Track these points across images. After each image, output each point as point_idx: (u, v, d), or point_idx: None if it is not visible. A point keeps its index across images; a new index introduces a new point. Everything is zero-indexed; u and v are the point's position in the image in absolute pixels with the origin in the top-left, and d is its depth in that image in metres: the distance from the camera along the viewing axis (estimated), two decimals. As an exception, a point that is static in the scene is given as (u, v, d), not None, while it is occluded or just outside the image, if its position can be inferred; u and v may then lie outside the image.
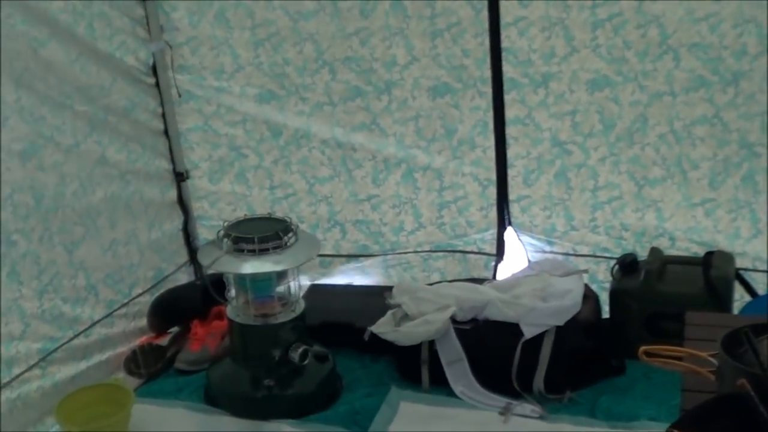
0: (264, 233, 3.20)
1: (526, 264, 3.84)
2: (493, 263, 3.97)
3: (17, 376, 3.13)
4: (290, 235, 3.27)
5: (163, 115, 3.99)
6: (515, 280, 3.57)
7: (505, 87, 3.63)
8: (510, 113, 3.67)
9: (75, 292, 3.42)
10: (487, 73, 3.62)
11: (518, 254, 3.92)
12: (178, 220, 4.17)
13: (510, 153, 3.76)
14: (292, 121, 3.96)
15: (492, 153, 3.77)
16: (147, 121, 3.88)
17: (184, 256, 4.23)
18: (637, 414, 3.10)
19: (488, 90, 3.65)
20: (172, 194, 4.12)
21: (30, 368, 3.19)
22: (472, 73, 3.65)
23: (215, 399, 3.41)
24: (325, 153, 3.99)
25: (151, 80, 3.89)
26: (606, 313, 3.59)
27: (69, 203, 3.37)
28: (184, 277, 4.20)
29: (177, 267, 4.16)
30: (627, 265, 3.54)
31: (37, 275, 3.21)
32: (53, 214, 3.28)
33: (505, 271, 3.89)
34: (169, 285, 4.03)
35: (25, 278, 3.15)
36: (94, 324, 3.53)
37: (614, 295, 3.55)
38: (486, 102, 3.68)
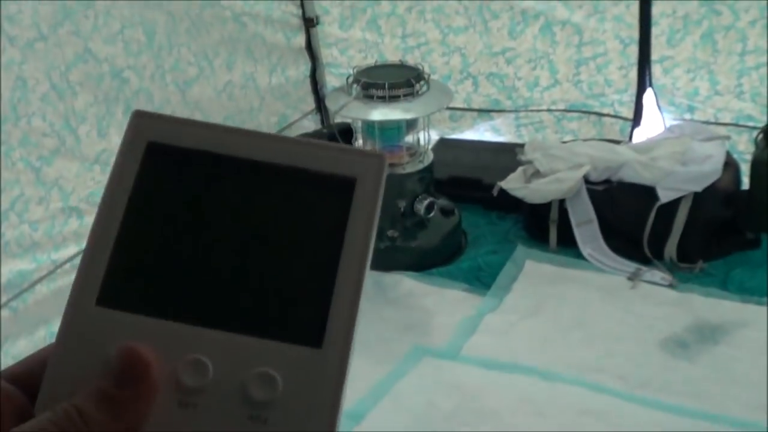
0: (395, 80, 3.15)
1: (663, 129, 3.72)
2: (629, 128, 3.84)
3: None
4: (422, 83, 3.21)
5: (294, -42, 3.91)
6: (653, 143, 3.45)
7: (654, -60, 3.47)
8: (658, -33, 3.51)
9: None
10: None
11: (656, 119, 3.78)
12: (304, 67, 4.11)
13: (655, 10, 3.58)
14: (429, -34, 3.86)
15: (635, 9, 3.60)
16: (276, -36, 3.80)
17: (310, 103, 4.19)
18: (771, 290, 3.01)
19: (636, -59, 3.49)
20: (300, 40, 4.05)
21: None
22: None
23: (337, 248, 3.40)
24: (461, 2, 3.87)
25: None
26: (746, 184, 3.44)
27: (184, 42, 3.33)
28: (310, 125, 4.16)
29: (303, 114, 4.12)
30: (772, 134, 3.39)
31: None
32: (166, 52, 3.24)
33: (642, 136, 3.76)
34: (295, 132, 3.98)
35: None
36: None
37: (756, 165, 3.37)
38: (633, -46, 3.52)
